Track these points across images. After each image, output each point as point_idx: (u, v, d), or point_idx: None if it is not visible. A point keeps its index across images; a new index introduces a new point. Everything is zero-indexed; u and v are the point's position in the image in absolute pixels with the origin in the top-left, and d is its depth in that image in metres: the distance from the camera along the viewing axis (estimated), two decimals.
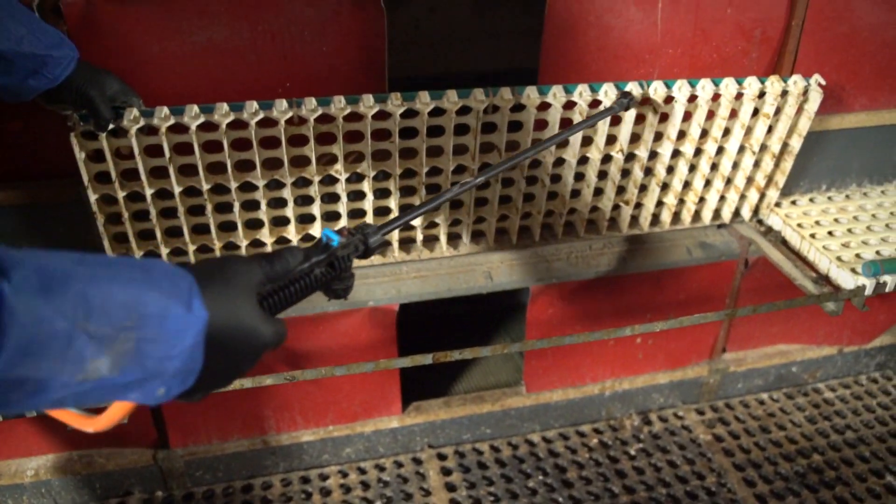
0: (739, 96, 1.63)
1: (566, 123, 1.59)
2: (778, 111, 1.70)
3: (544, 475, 2.10)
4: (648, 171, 1.76)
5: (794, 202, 2.00)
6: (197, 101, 1.42)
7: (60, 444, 1.92)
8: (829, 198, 2.03)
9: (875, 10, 1.78)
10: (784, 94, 1.66)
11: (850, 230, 1.88)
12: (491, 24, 2.38)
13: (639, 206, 1.85)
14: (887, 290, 1.70)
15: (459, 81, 1.56)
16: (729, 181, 1.84)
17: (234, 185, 1.51)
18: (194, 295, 0.66)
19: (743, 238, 1.98)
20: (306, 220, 1.65)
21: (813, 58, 1.78)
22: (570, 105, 1.56)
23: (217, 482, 2.04)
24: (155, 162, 1.45)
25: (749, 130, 1.72)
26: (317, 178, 1.54)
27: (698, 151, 1.74)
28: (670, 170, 1.77)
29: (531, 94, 1.52)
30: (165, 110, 1.38)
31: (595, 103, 1.57)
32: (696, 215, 1.91)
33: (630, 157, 1.71)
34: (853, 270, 1.71)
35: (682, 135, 1.70)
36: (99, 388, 0.61)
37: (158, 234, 1.56)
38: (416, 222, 1.70)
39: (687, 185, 1.82)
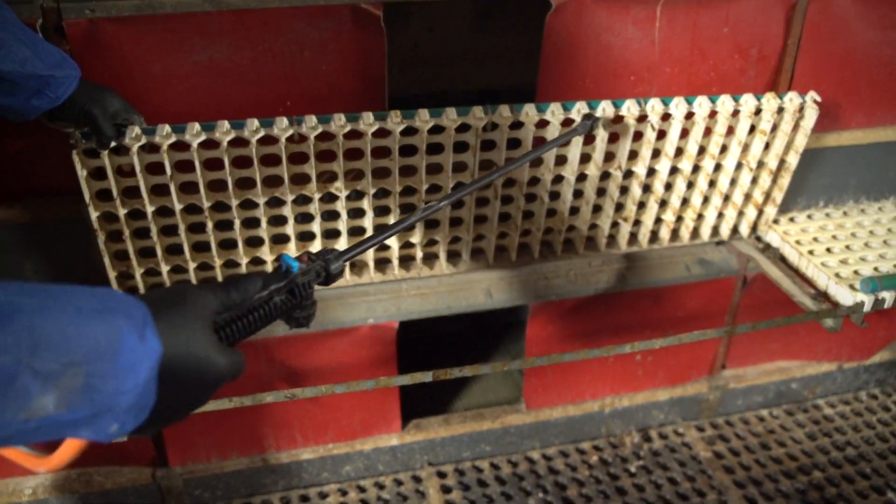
0: (736, 113, 1.65)
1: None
2: (774, 128, 1.71)
3: (544, 493, 2.09)
4: (647, 188, 1.77)
5: (791, 219, 2.01)
6: (198, 119, 1.43)
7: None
8: (827, 214, 2.04)
9: (871, 29, 1.80)
10: (780, 110, 1.67)
11: (847, 247, 1.89)
12: (490, 43, 2.40)
13: (637, 223, 1.85)
14: (885, 306, 1.70)
15: (459, 99, 1.58)
16: (727, 198, 1.85)
17: (234, 202, 1.51)
18: (148, 326, 0.64)
19: (741, 255, 1.99)
20: (306, 237, 1.65)
21: (810, 76, 1.80)
22: (568, 122, 1.57)
23: (216, 500, 2.03)
24: (156, 179, 1.46)
25: (746, 147, 1.73)
26: (317, 196, 1.55)
27: (696, 168, 1.75)
28: (668, 187, 1.78)
29: (530, 112, 1.54)
30: (167, 128, 1.39)
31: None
32: (695, 232, 1.92)
33: (628, 174, 1.72)
34: (851, 287, 1.71)
35: (679, 152, 1.71)
36: (46, 425, 0.58)
37: (159, 252, 1.56)
38: (416, 239, 1.71)
39: (685, 201, 1.83)
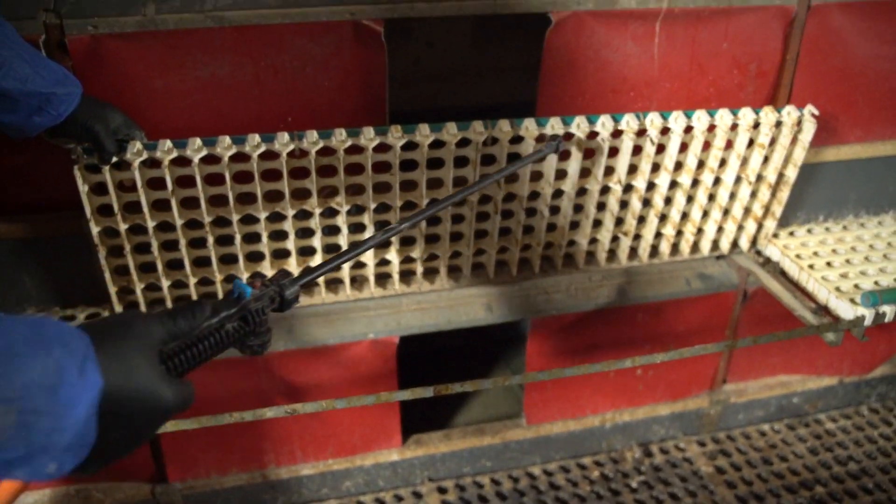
0: (734, 127, 1.65)
1: (564, 155, 1.61)
2: (773, 141, 1.72)
3: None
4: (646, 203, 1.77)
5: (791, 233, 2.01)
6: (200, 134, 1.43)
7: (58, 479, 1.90)
8: (827, 228, 2.04)
9: (869, 44, 1.81)
10: (778, 124, 1.68)
11: (847, 261, 1.89)
12: (489, 59, 2.41)
13: (637, 237, 1.86)
14: (886, 320, 1.70)
15: (459, 114, 1.58)
16: (726, 212, 1.85)
17: (235, 217, 1.52)
18: (89, 358, 0.60)
19: (741, 269, 1.99)
20: (307, 252, 1.66)
21: (808, 91, 1.81)
22: (567, 137, 1.58)
23: None
24: (157, 195, 1.46)
25: (745, 161, 1.74)
26: (318, 211, 1.55)
27: (695, 182, 1.76)
28: (668, 201, 1.78)
29: (529, 126, 1.54)
30: (168, 143, 1.39)
31: (593, 135, 1.58)
32: (695, 246, 1.92)
33: (628, 188, 1.72)
34: (852, 301, 1.71)
35: (678, 166, 1.71)
36: None
37: (160, 267, 1.56)
38: (416, 254, 1.71)
39: (685, 215, 1.83)
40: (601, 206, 1.75)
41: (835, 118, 1.90)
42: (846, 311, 1.71)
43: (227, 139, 1.42)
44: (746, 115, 1.64)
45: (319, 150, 1.45)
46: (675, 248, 1.91)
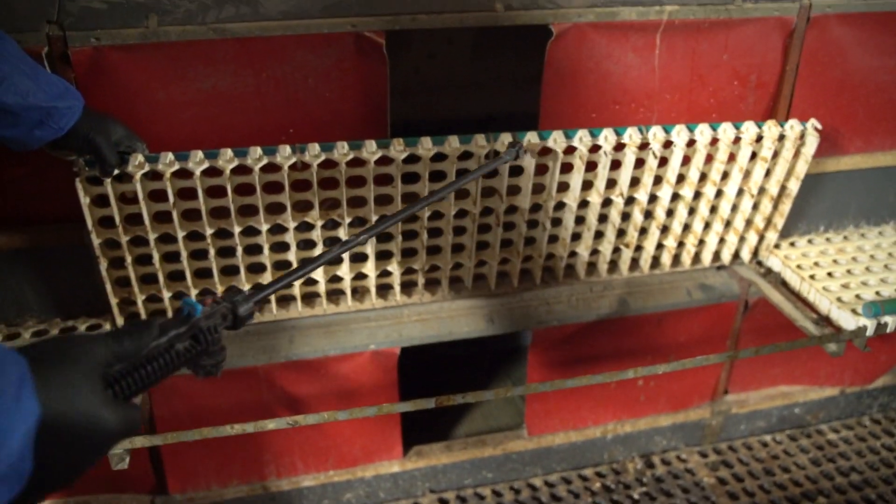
0: (737, 140, 1.66)
1: (566, 168, 1.61)
2: (775, 155, 1.72)
3: None
4: (648, 215, 1.77)
5: (792, 244, 2.01)
6: (202, 146, 1.43)
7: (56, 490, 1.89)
8: (828, 239, 2.04)
9: (868, 55, 1.81)
10: (781, 138, 1.68)
11: (849, 271, 1.89)
12: (491, 71, 2.41)
13: (639, 248, 1.86)
14: (888, 330, 1.70)
15: (461, 126, 1.58)
16: (728, 224, 1.85)
17: (237, 229, 1.51)
18: (25, 384, 0.57)
19: (743, 280, 1.99)
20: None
21: (808, 102, 1.81)
22: (570, 150, 1.58)
23: None
24: (159, 207, 1.46)
25: (747, 174, 1.74)
26: (319, 223, 1.55)
27: (697, 195, 1.76)
28: (670, 213, 1.78)
29: (532, 139, 1.54)
30: (170, 156, 1.39)
31: (595, 148, 1.58)
32: (696, 257, 1.92)
33: (630, 200, 1.72)
34: (854, 311, 1.71)
35: (681, 178, 1.72)
36: None
37: (161, 279, 1.56)
38: (418, 265, 1.71)
39: (686, 227, 1.83)
40: (603, 218, 1.75)
41: (835, 129, 1.90)
42: (848, 321, 1.71)
43: (228, 152, 1.42)
44: (749, 128, 1.64)
45: (321, 163, 1.45)
46: (676, 259, 1.91)
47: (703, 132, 1.62)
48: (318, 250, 1.61)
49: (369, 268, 1.68)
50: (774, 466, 2.27)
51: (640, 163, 1.65)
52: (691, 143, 1.63)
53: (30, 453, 0.58)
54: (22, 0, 1.34)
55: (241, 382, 1.78)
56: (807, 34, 1.72)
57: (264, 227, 1.53)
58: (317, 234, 1.57)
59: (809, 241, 2.03)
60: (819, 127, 1.68)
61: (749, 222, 1.86)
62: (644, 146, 1.61)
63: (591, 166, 1.63)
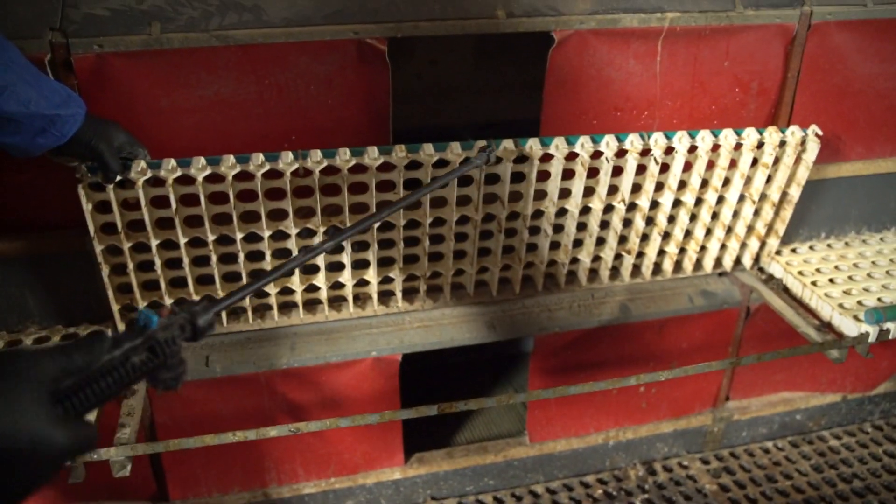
0: (738, 147, 1.66)
1: (568, 174, 1.61)
2: (776, 161, 1.72)
3: None
4: (650, 221, 1.77)
5: (794, 250, 2.01)
6: (204, 153, 1.43)
7: (57, 498, 1.88)
8: (829, 245, 2.05)
9: (868, 62, 1.81)
10: (782, 144, 1.68)
11: (850, 277, 1.89)
12: (493, 77, 2.42)
13: (641, 255, 1.86)
14: (890, 336, 1.70)
15: (463, 132, 1.59)
16: (730, 230, 1.85)
17: (239, 236, 1.51)
18: None
19: (744, 286, 1.99)
20: (310, 270, 1.65)
21: (809, 109, 1.81)
22: (572, 156, 1.58)
23: None
24: (161, 213, 1.46)
25: (748, 180, 1.74)
26: (321, 230, 1.55)
27: (699, 201, 1.76)
28: (672, 219, 1.78)
29: (533, 146, 1.55)
30: (172, 162, 1.40)
31: (597, 154, 1.59)
32: (698, 264, 1.92)
33: (632, 206, 1.72)
34: (856, 318, 1.71)
35: (682, 185, 1.72)
36: None
37: (163, 285, 1.56)
38: (419, 272, 1.71)
39: (688, 233, 1.83)
40: (604, 225, 1.75)
41: (836, 136, 1.90)
42: (850, 328, 1.71)
43: (231, 158, 1.42)
44: (750, 134, 1.64)
45: (323, 169, 1.46)
46: (677, 265, 1.91)
47: (704, 138, 1.62)
48: (320, 257, 1.61)
49: (371, 274, 1.68)
50: (776, 473, 2.27)
51: (641, 169, 1.65)
52: (693, 149, 1.64)
53: None
54: (25, 7, 1.35)
55: (242, 389, 1.77)
56: (808, 41, 1.73)
57: (266, 234, 1.53)
58: (319, 241, 1.57)
59: (811, 248, 2.03)
60: (820, 133, 1.69)
61: (751, 228, 1.86)
62: (646, 152, 1.61)
63: (593, 172, 1.63)
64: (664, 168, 1.67)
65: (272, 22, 1.43)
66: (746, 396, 2.33)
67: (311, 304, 1.74)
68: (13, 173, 1.48)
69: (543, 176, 1.61)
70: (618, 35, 1.61)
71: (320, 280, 1.65)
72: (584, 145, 1.56)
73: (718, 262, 1.93)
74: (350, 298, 1.71)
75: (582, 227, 1.74)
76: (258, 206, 1.48)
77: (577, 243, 1.77)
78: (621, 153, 1.60)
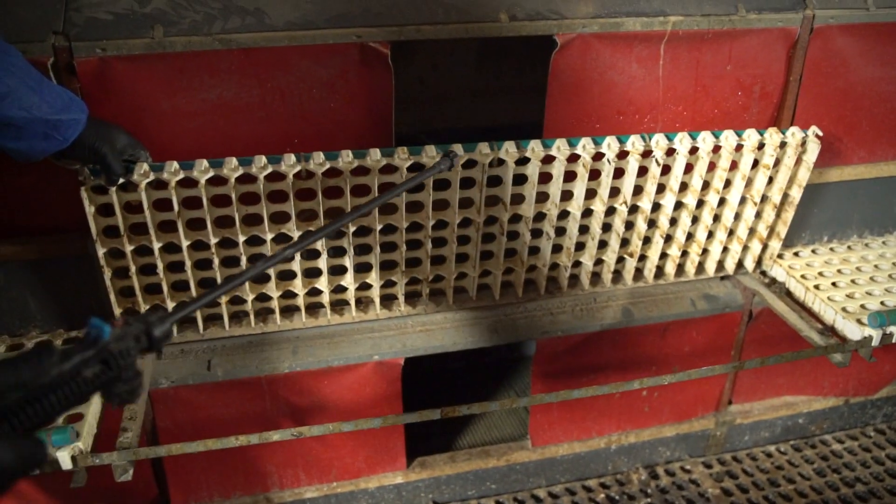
0: (739, 148, 1.66)
1: (570, 177, 1.61)
2: (777, 162, 1.72)
3: None
4: (652, 223, 1.77)
5: (796, 253, 2.01)
6: (206, 156, 1.43)
7: (59, 502, 1.88)
8: (831, 249, 2.04)
9: (870, 66, 1.82)
10: (783, 145, 1.68)
11: (853, 281, 1.88)
12: (495, 80, 2.42)
13: (643, 258, 1.86)
14: (893, 340, 1.70)
15: (465, 135, 1.59)
16: (731, 232, 1.85)
17: (241, 238, 1.51)
18: None
19: (747, 289, 1.98)
20: (313, 273, 1.65)
21: (811, 112, 1.81)
22: (573, 158, 1.58)
23: None
24: (163, 216, 1.46)
25: (750, 181, 1.74)
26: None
27: (700, 203, 1.76)
28: (673, 221, 1.78)
29: (536, 148, 1.54)
30: (175, 165, 1.39)
31: (598, 156, 1.59)
32: (700, 267, 1.92)
33: (633, 209, 1.72)
34: (859, 321, 1.71)
35: (683, 186, 1.72)
36: None
37: (165, 288, 1.56)
38: (422, 276, 1.71)
39: (690, 236, 1.83)
40: (606, 227, 1.75)
41: (838, 139, 1.90)
42: (853, 331, 1.70)
43: (233, 161, 1.42)
44: (751, 136, 1.64)
45: (326, 172, 1.46)
46: (680, 268, 1.91)
47: (705, 139, 1.62)
48: (323, 260, 1.61)
49: (373, 278, 1.67)
50: (779, 477, 2.26)
51: (643, 171, 1.65)
52: (694, 150, 1.64)
53: None
54: (28, 11, 1.35)
55: (244, 393, 1.77)
56: (810, 45, 1.73)
57: (269, 236, 1.53)
58: (321, 244, 1.57)
59: (813, 251, 2.03)
60: (820, 133, 1.69)
61: (752, 230, 1.86)
62: (647, 154, 1.61)
63: (595, 175, 1.63)
64: (665, 170, 1.67)
65: (275, 25, 1.44)
66: (749, 400, 2.33)
67: (314, 308, 1.74)
68: (15, 176, 1.48)
69: (545, 178, 1.61)
70: (620, 39, 1.61)
71: (322, 284, 1.65)
72: (585, 147, 1.56)
73: (721, 265, 1.93)
74: (352, 302, 1.71)
75: (584, 229, 1.74)
76: (260, 208, 1.48)
77: (580, 246, 1.77)
78: (623, 155, 1.60)
